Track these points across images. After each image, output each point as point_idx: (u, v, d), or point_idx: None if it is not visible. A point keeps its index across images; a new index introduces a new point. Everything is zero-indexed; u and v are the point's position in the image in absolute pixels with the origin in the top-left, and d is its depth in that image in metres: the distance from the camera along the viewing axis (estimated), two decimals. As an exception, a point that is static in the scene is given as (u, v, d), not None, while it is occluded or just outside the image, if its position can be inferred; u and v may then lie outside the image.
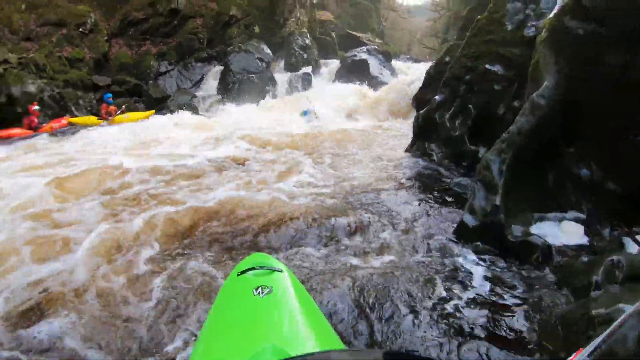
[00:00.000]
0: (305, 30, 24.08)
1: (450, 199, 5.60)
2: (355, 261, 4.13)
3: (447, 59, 10.40)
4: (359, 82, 18.55)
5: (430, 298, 3.41)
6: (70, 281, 3.88)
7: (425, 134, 7.71)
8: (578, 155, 4.40)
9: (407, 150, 8.14)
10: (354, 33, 29.24)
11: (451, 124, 7.15)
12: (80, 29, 19.06)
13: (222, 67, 19.51)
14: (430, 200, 5.54)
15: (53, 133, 13.39)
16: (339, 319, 3.25)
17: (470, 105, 6.91)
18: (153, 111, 15.37)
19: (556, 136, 4.41)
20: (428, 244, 4.39)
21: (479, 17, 7.33)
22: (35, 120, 13.71)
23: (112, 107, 15.15)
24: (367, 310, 3.29)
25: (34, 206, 5.58)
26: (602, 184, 4.33)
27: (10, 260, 4.27)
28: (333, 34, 27.62)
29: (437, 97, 7.56)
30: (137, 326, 3.33)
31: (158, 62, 19.94)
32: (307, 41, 22.67)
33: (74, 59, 18.10)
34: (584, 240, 4.09)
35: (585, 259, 3.63)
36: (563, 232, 4.18)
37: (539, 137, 4.34)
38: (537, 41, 5.20)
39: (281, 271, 2.50)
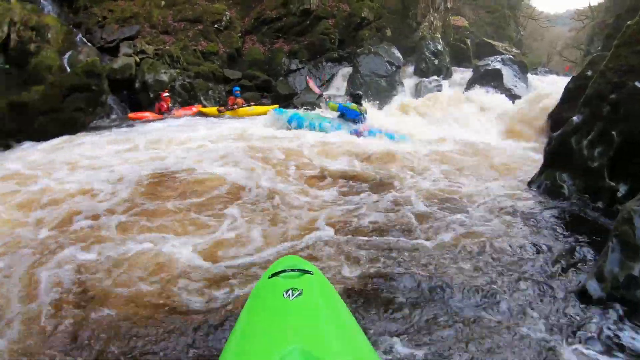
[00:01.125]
0: (438, 35, 23.15)
1: (576, 247, 4.30)
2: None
3: (589, 72, 8.93)
4: (490, 94, 17.27)
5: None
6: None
7: (557, 161, 6.16)
8: None
9: (532, 180, 6.48)
10: (489, 41, 27.87)
11: (589, 151, 5.66)
12: (216, 26, 19.93)
13: (351, 69, 19.17)
14: (551, 246, 4.33)
15: (179, 118, 14.42)
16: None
17: (614, 132, 5.41)
18: (276, 106, 15.42)
19: None
20: (541, 301, 3.38)
21: (629, 22, 5.84)
22: (165, 105, 15.18)
23: (238, 100, 15.94)
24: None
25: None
26: None
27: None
28: (468, 41, 26.39)
29: (575, 117, 6.04)
30: (169, 329, 3.22)
31: (289, 59, 20.33)
32: (439, 47, 21.69)
33: (208, 53, 19.09)
34: None
35: None
36: None
37: None
38: None
39: (312, 273, 2.51)
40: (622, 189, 5.33)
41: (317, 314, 2.17)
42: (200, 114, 15.62)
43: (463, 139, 10.51)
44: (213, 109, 15.88)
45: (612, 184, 5.40)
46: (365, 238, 4.59)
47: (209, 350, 2.99)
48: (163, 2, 19.92)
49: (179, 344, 3.04)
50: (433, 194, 6.17)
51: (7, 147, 10.44)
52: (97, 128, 12.66)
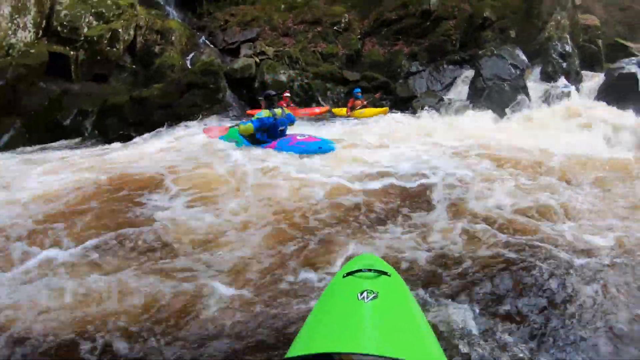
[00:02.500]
0: (567, 35, 21.84)
1: None
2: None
3: None
4: (625, 102, 15.14)
5: None
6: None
7: None
8: None
9: None
10: (623, 42, 25.97)
11: None
12: (335, 27, 20.16)
13: (472, 72, 18.40)
14: None
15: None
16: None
17: None
18: (387, 108, 16.24)
19: None
20: None
21: None
22: (283, 104, 15.26)
23: (357, 102, 16.26)
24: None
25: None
26: None
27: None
28: (599, 41, 24.75)
29: None
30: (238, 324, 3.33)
31: (409, 62, 20.08)
32: (568, 48, 20.24)
33: (327, 54, 19.48)
34: None
35: None
36: None
37: None
38: None
39: (389, 275, 2.42)
40: None
41: (392, 320, 2.10)
42: (331, 114, 16.62)
43: (598, 156, 9.49)
44: (342, 110, 16.59)
45: None
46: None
47: (276, 346, 3.03)
48: (283, 6, 20.42)
49: (247, 337, 3.11)
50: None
51: (129, 138, 11.28)
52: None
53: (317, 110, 16.78)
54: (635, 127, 12.52)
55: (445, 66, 19.87)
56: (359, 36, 20.61)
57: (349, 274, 2.46)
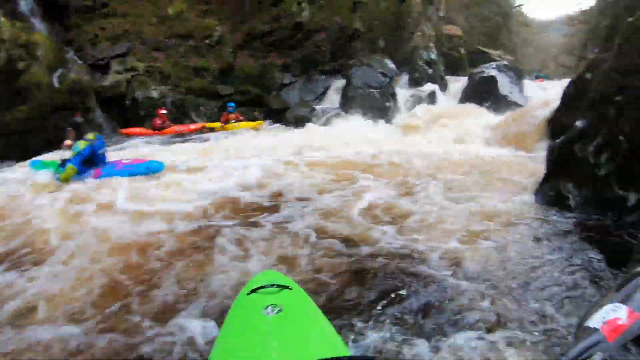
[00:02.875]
0: (432, 44, 23.03)
1: (588, 266, 4.02)
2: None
3: (589, 75, 8.63)
4: (485, 102, 16.97)
5: None
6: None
7: (560, 170, 5.83)
8: None
9: (536, 190, 6.22)
10: (483, 49, 27.84)
11: (595, 159, 5.31)
12: (207, 41, 19.80)
13: (344, 81, 18.92)
14: (561, 268, 4.02)
15: (175, 136, 14.86)
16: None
17: (621, 136, 5.09)
18: (261, 122, 16.52)
19: None
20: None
21: (630, 19, 5.60)
22: (159, 122, 15.35)
23: (231, 115, 16.04)
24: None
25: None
26: None
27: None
28: (462, 49, 26.40)
29: (577, 122, 5.75)
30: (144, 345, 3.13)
31: (282, 73, 20.16)
32: (433, 56, 21.50)
33: (200, 69, 19.05)
34: None
35: None
36: None
37: None
38: None
39: (291, 289, 2.50)
40: (632, 199, 5.02)
41: (298, 330, 2.13)
42: (206, 128, 16.30)
43: (461, 151, 10.43)
44: (217, 124, 16.24)
45: (621, 192, 5.10)
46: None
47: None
48: (154, 19, 19.77)
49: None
50: (436, 204, 6.11)
51: None
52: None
53: (192, 126, 16.36)
54: (496, 124, 13.47)
55: (317, 77, 20.29)
56: (232, 49, 20.37)
57: (252, 291, 2.50)
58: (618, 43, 5.71)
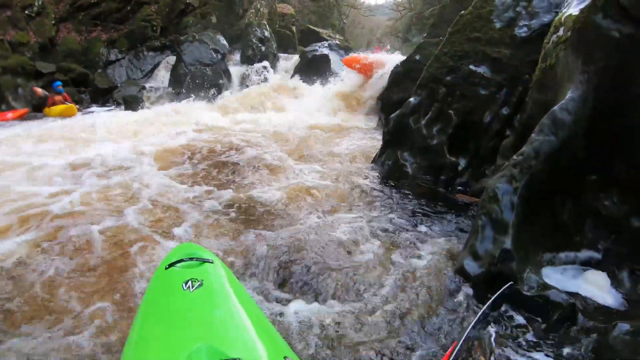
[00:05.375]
0: (265, 22, 23.00)
1: (431, 225, 4.60)
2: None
3: (418, 57, 9.78)
4: (317, 78, 17.71)
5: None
6: None
7: (397, 141, 6.59)
8: (600, 185, 3.54)
9: (374, 160, 6.95)
10: (314, 28, 28.35)
11: (428, 131, 6.18)
12: (26, 12, 17.61)
13: (174, 58, 18.20)
14: (407, 227, 4.50)
15: None
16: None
17: (451, 111, 6.01)
18: (73, 107, 13.80)
19: (578, 161, 3.53)
20: (415, 289, 3.40)
21: (462, 12, 6.47)
22: None
23: (57, 97, 13.87)
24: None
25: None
26: (625, 220, 3.48)
27: None
28: (293, 28, 26.73)
29: (411, 99, 6.55)
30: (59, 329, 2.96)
31: (108, 49, 18.44)
32: (267, 33, 21.51)
33: (17, 43, 16.47)
34: (612, 294, 3.22)
35: (623, 327, 2.67)
36: (587, 282, 3.31)
37: (558, 162, 3.45)
38: (549, 42, 4.44)
39: (212, 262, 2.39)
40: (462, 163, 5.87)
41: (220, 305, 2.05)
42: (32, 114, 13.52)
43: (299, 125, 10.73)
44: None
45: (453, 159, 5.92)
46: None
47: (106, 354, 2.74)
48: None
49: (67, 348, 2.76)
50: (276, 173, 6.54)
51: None
52: None
53: (9, 115, 13.16)
54: (328, 96, 14.04)
55: (145, 53, 19.08)
56: (54, 22, 18.61)
57: (170, 265, 2.36)
58: (450, 31, 6.51)
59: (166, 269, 2.37)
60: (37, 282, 3.48)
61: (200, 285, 2.11)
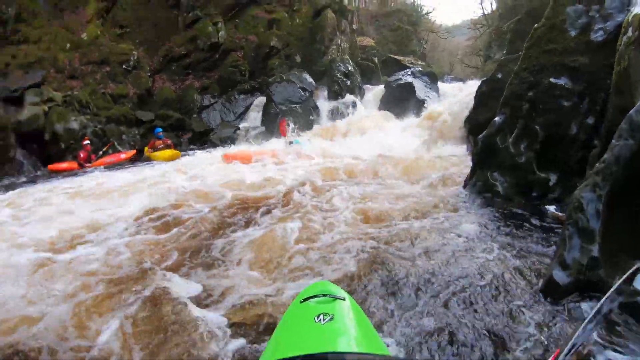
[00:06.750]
0: (347, 56, 23.67)
1: (522, 244, 4.59)
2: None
3: (500, 75, 9.71)
4: (403, 106, 18.26)
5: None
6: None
7: (486, 161, 6.59)
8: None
9: (465, 182, 6.94)
10: (395, 57, 28.71)
11: (515, 148, 6.14)
12: (124, 66, 19.36)
13: (264, 99, 19.26)
14: (498, 247, 4.53)
15: (103, 168, 13.76)
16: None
17: (536, 127, 5.97)
18: (178, 152, 15.19)
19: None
20: (508, 304, 3.50)
21: (536, 25, 6.49)
22: (83, 155, 14.39)
23: (158, 142, 15.30)
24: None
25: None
26: None
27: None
28: (375, 59, 27.20)
29: (496, 118, 6.55)
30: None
31: (201, 95, 20.21)
32: (350, 67, 22.23)
33: (118, 96, 18.44)
34: None
35: None
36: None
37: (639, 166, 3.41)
38: (621, 44, 4.45)
39: (343, 299, 2.47)
40: (553, 179, 5.75)
41: (348, 339, 2.14)
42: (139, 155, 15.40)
43: (389, 154, 11.04)
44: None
45: (543, 175, 5.83)
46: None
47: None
48: (68, 45, 19.18)
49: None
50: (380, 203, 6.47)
51: None
52: (11, 186, 11.38)
53: (122, 156, 15.22)
54: (417, 126, 14.24)
55: (236, 96, 20.44)
56: (149, 74, 20.17)
57: (305, 299, 2.48)
58: (526, 46, 6.53)
59: (301, 302, 2.49)
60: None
61: (331, 319, 2.20)
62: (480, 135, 6.83)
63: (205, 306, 3.92)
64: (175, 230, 6.01)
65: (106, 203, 7.96)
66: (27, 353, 3.40)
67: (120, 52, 19.69)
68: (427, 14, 43.37)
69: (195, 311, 3.73)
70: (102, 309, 3.94)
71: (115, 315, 3.79)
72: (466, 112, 11.68)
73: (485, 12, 35.04)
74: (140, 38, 21.61)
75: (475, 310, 3.47)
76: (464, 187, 6.90)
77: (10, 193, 9.83)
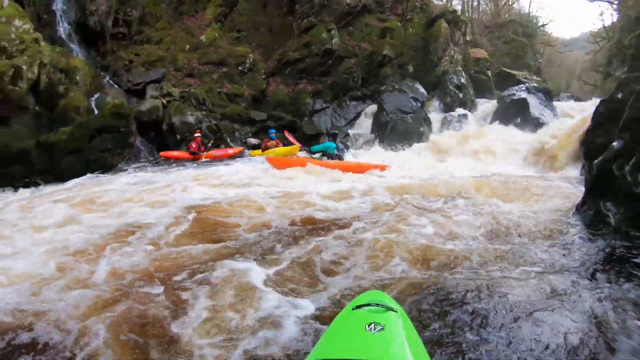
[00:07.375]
0: (460, 68, 23.19)
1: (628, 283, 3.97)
2: None
3: (620, 95, 8.90)
4: (516, 123, 17.48)
5: None
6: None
7: (599, 190, 5.87)
8: None
9: (577, 209, 6.23)
10: (509, 71, 27.86)
11: (633, 178, 5.29)
12: (240, 68, 20.19)
13: (375, 107, 19.18)
14: (606, 289, 3.92)
15: (210, 160, 14.65)
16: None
17: None
18: (297, 147, 15.00)
19: None
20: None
21: None
22: (195, 146, 15.25)
23: (271, 142, 15.71)
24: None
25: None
26: None
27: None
28: (488, 72, 26.47)
29: (615, 143, 5.80)
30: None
31: (313, 99, 20.54)
32: (463, 80, 21.76)
33: (233, 95, 19.35)
34: None
35: None
36: None
37: None
38: None
39: (395, 311, 2.49)
40: None
41: (396, 350, 2.17)
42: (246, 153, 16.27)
43: (496, 172, 10.65)
44: (258, 152, 15.92)
45: None
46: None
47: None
48: (188, 46, 20.23)
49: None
50: (476, 226, 6.05)
51: (37, 184, 10.69)
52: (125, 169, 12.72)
53: (230, 151, 16.17)
54: (530, 143, 13.64)
55: (348, 102, 20.56)
56: (264, 76, 20.83)
57: (358, 307, 2.52)
58: None
59: (353, 309, 2.53)
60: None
61: (382, 329, 2.23)
62: (595, 161, 6.10)
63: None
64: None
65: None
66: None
67: (237, 55, 20.56)
68: (544, 25, 41.50)
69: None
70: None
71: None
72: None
73: (606, 25, 33.45)
74: (255, 42, 22.45)
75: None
76: (573, 214, 6.23)
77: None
